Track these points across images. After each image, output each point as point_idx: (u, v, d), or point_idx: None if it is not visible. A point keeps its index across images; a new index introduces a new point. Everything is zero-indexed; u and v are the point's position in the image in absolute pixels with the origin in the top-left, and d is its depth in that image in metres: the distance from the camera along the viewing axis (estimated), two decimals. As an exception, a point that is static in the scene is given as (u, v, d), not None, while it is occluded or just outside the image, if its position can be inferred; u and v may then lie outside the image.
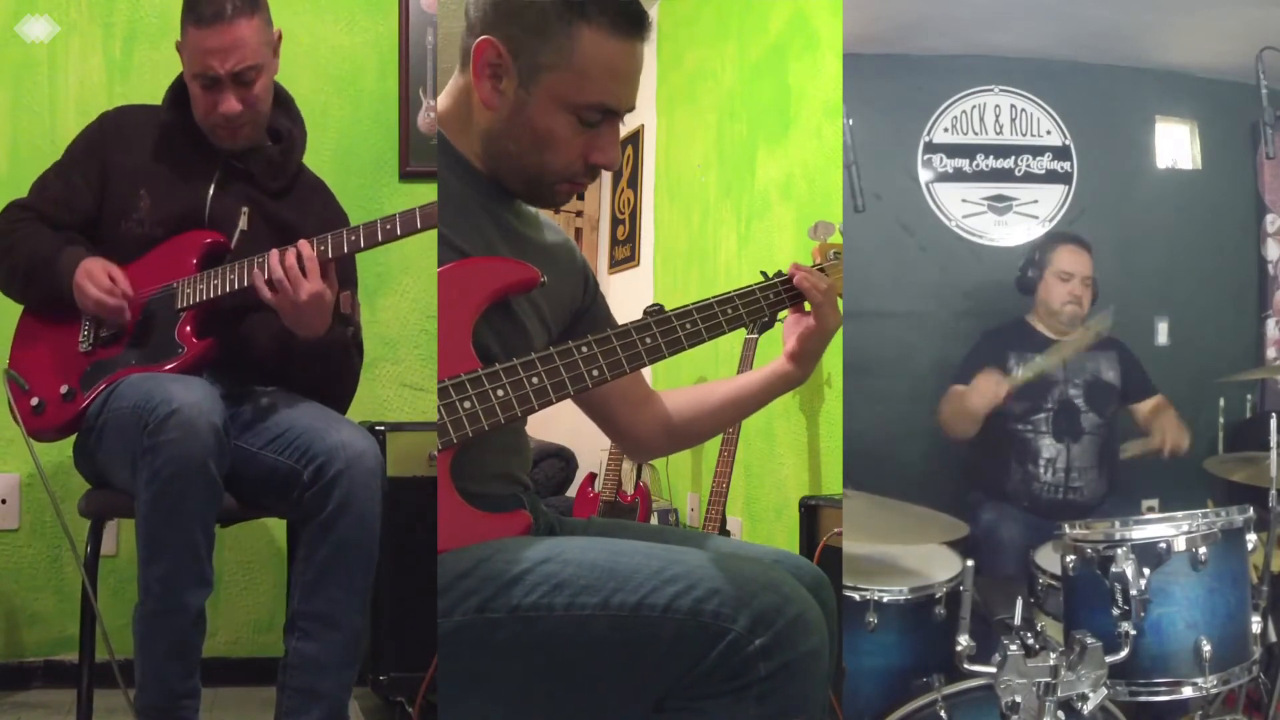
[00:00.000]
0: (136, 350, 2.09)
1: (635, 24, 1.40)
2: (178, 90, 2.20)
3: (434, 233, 1.47)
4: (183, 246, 2.14)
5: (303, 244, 1.98)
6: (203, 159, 2.19)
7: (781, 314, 1.65)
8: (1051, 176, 3.04)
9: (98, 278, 2.06)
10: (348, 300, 2.22)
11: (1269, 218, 3.09)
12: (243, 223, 2.16)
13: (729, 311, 1.53)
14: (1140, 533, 1.78)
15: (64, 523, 2.19)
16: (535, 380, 1.38)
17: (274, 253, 1.99)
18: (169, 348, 2.07)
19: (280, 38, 2.19)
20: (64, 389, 2.09)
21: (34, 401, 2.10)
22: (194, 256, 2.12)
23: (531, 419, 1.50)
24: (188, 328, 2.08)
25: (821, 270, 1.65)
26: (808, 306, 1.62)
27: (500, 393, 1.36)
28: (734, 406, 1.70)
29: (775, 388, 1.66)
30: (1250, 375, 2.91)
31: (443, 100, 1.49)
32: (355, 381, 2.25)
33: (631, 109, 1.45)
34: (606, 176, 4.95)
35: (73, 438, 2.14)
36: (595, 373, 1.38)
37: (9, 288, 2.19)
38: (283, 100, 2.28)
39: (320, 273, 1.98)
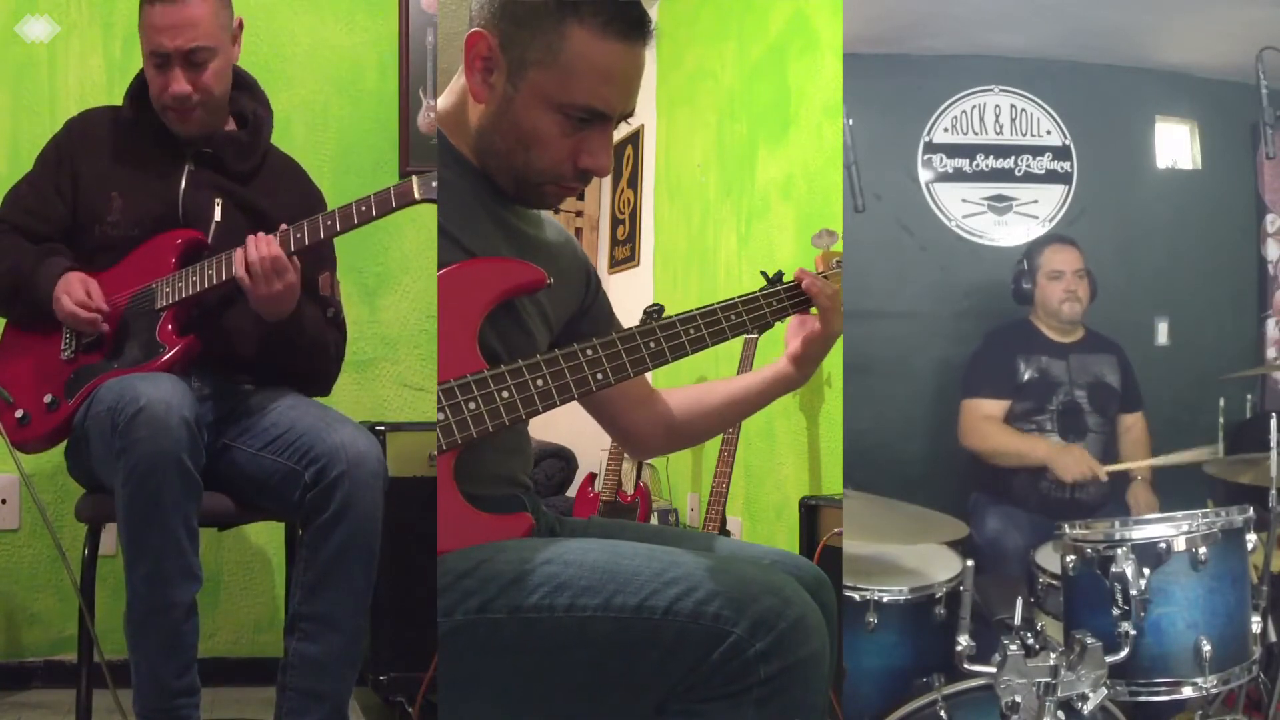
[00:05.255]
0: (119, 354, 2.08)
1: (632, 26, 1.36)
2: (139, 85, 2.18)
3: (434, 231, 1.46)
4: (160, 248, 2.12)
5: (267, 242, 1.97)
6: (171, 153, 2.17)
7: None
8: (1051, 176, 3.04)
9: (74, 291, 2.04)
10: (326, 281, 2.20)
11: (1269, 218, 3.09)
12: (217, 214, 2.14)
13: (732, 318, 1.53)
14: (1140, 533, 1.78)
15: (54, 533, 2.18)
16: (540, 383, 1.38)
17: (238, 252, 1.98)
18: (151, 348, 2.06)
19: (241, 26, 2.17)
20: (48, 398, 2.08)
21: (19, 414, 2.10)
22: (172, 256, 2.10)
23: (532, 419, 1.50)
24: (169, 326, 2.06)
25: (825, 277, 1.65)
26: (814, 311, 1.63)
27: (505, 394, 1.36)
28: (735, 407, 1.71)
29: (775, 389, 1.67)
30: (1250, 372, 2.91)
31: (444, 99, 1.48)
32: (333, 361, 2.22)
33: (626, 114, 1.41)
34: (606, 176, 4.95)
35: (62, 445, 2.13)
36: (599, 376, 1.38)
37: None
38: (247, 84, 2.26)
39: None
